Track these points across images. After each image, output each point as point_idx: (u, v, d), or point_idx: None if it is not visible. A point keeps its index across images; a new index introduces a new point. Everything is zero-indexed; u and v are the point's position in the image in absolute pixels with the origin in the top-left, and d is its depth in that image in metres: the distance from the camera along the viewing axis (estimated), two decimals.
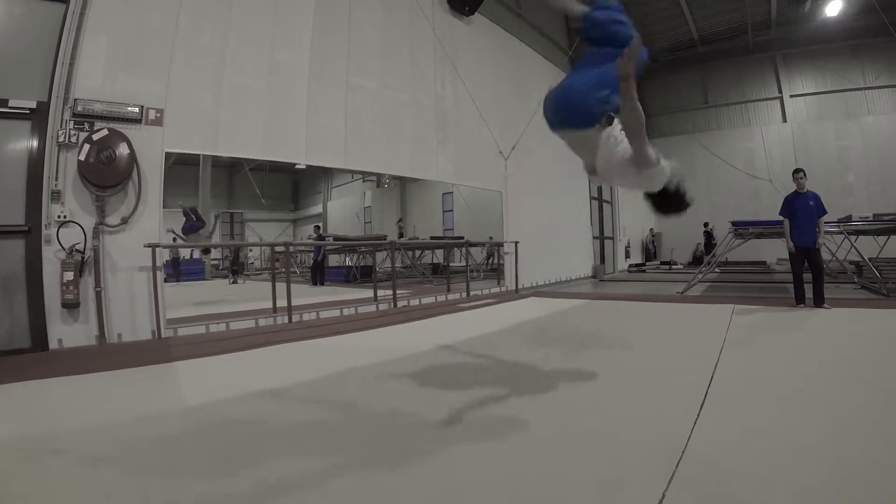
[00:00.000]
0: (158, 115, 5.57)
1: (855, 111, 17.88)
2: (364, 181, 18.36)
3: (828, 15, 15.99)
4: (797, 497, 1.69)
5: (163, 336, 5.32)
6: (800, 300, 7.03)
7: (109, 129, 5.14)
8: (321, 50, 7.27)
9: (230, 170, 19.59)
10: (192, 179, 14.83)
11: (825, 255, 8.34)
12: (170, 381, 3.44)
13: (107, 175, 5.04)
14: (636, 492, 1.72)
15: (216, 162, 15.27)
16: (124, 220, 5.24)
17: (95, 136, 5.04)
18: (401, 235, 14.22)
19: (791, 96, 18.78)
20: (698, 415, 2.49)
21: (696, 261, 16.56)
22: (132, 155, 5.22)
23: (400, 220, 15.49)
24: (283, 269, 8.46)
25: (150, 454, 2.18)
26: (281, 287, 6.42)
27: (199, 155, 12.22)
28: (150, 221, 5.40)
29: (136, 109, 5.37)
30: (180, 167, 14.86)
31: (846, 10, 15.76)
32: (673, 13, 17.27)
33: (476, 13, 10.10)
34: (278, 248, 10.78)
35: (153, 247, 5.26)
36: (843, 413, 2.51)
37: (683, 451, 2.04)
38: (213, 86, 6.07)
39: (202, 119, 5.99)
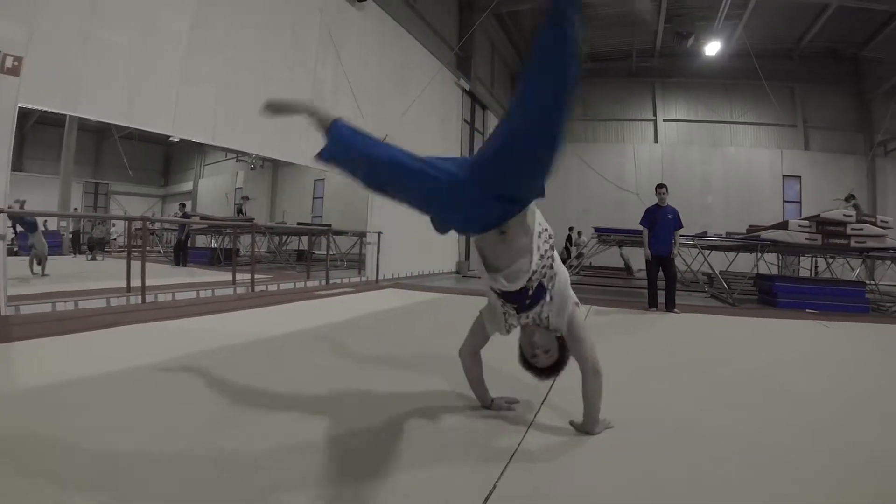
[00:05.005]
0: (16, 63, 4.86)
1: (720, 141, 19.69)
2: (238, 161, 17.54)
3: (707, 54, 17.41)
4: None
5: (2, 314, 4.72)
6: (652, 304, 7.28)
7: None
8: (203, 16, 6.67)
9: (98, 136, 17.94)
10: (56, 143, 13.48)
11: (680, 266, 8.81)
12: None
13: None
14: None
15: (83, 125, 13.96)
16: None
17: None
18: (240, 212, 13.54)
19: (664, 120, 20.25)
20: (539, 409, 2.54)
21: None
22: None
23: (245, 198, 14.56)
24: (144, 248, 7.96)
25: None
26: (139, 265, 6.00)
27: (65, 116, 11.11)
28: None
29: None
30: (43, 127, 13.48)
31: (723, 52, 17.24)
32: None
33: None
34: (137, 225, 10.08)
35: None
36: (685, 405, 2.74)
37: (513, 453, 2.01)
38: (79, 39, 5.35)
39: (65, 75, 5.23)
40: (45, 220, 13.95)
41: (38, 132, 13.57)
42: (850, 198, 11.81)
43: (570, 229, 17.82)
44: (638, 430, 2.30)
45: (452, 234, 9.72)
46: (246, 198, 14.47)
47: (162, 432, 2.06)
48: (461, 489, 1.67)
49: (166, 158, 20.98)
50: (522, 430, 2.26)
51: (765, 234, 9.03)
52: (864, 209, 12.35)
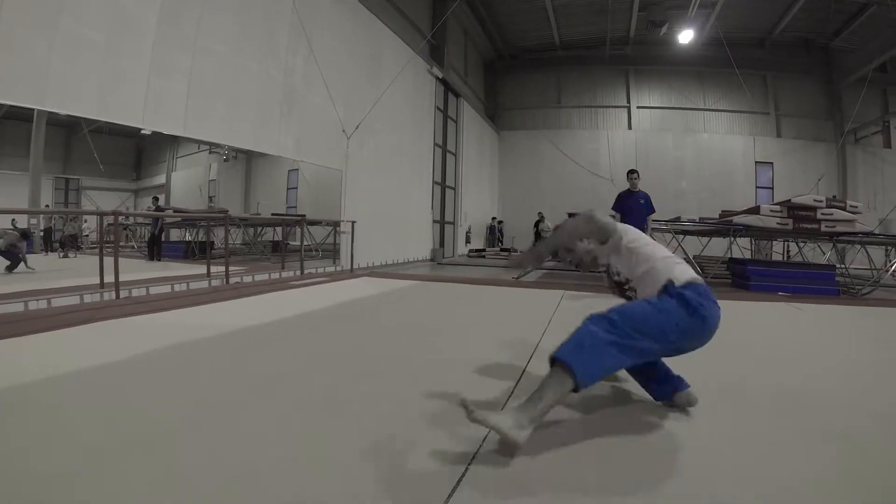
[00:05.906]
0: None
1: (693, 127, 19.89)
2: (210, 153, 17.25)
3: (680, 42, 17.47)
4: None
5: None
6: None
7: None
8: (174, 5, 6.48)
9: (67, 130, 17.53)
10: (24, 138, 13.13)
11: None
12: None
13: None
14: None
15: (52, 120, 13.61)
16: None
17: None
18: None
19: (638, 107, 20.37)
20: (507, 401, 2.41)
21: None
22: None
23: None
24: (116, 243, 7.81)
25: None
26: (113, 261, 5.86)
27: (33, 110, 10.77)
28: None
29: None
30: (11, 123, 13.07)
31: (696, 40, 17.38)
32: (539, 17, 17.79)
33: None
34: (109, 219, 9.86)
35: None
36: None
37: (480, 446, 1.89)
38: (46, 31, 5.19)
39: (31, 68, 5.09)
40: (14, 218, 13.62)
41: (5, 127, 13.17)
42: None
43: (540, 214, 18.04)
44: (614, 412, 2.27)
45: (428, 222, 9.63)
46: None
47: (140, 427, 2.00)
48: (432, 476, 1.63)
49: (138, 152, 20.51)
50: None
51: (737, 219, 9.08)
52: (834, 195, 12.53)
